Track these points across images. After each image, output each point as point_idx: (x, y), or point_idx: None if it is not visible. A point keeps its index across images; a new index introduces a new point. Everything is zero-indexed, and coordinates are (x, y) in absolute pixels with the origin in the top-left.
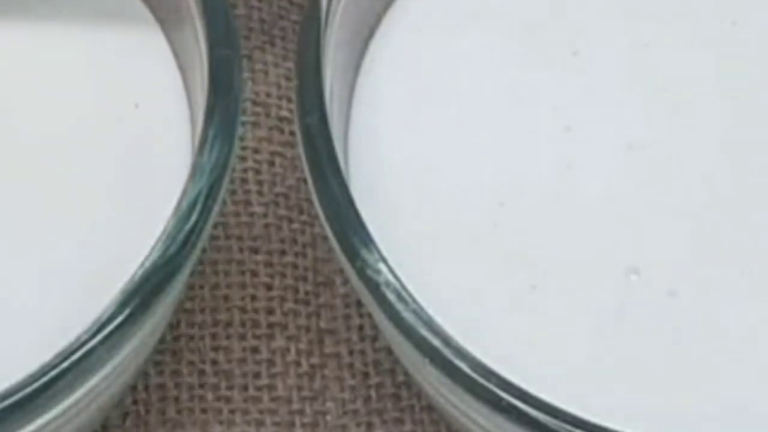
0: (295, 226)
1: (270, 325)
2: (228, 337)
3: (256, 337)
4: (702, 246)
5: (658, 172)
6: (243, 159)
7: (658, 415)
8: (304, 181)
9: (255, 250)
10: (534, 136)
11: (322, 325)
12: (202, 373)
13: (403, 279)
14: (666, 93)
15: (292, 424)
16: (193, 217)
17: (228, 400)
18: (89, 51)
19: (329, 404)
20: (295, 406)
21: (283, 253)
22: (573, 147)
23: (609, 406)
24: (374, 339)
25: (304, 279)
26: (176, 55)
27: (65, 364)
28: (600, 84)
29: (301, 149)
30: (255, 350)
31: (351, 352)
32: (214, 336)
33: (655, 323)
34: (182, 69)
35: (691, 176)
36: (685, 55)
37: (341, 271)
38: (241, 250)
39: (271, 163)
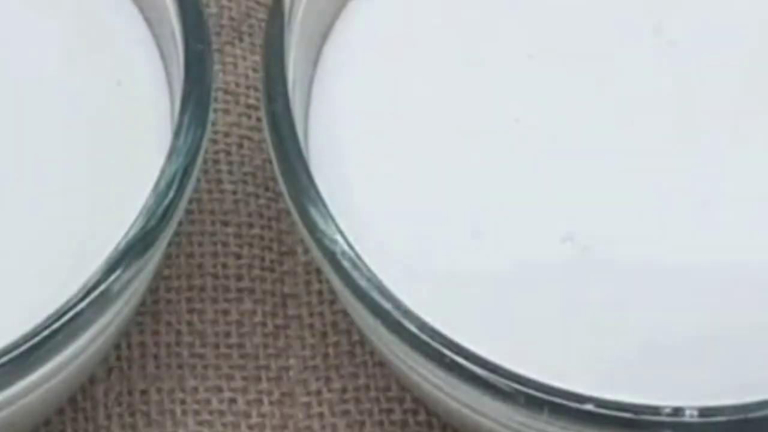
0: (262, 201)
1: (239, 290)
2: (202, 301)
3: (227, 300)
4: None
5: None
6: (215, 142)
7: (594, 371)
8: (270, 161)
9: (226, 223)
10: (485, 121)
11: (286, 290)
12: (178, 332)
13: (358, 248)
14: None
15: (259, 379)
16: (170, 194)
17: (201, 356)
18: (79, 45)
19: (292, 361)
20: (262, 362)
21: (250, 225)
22: (524, 137)
23: (549, 362)
24: (332, 303)
25: (270, 249)
26: (160, 50)
27: (56, 325)
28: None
29: (266, 133)
30: (225, 312)
31: (311, 314)
32: (189, 300)
33: (589, 281)
34: (164, 62)
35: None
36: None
37: (302, 241)
38: (213, 223)
39: (240, 146)
